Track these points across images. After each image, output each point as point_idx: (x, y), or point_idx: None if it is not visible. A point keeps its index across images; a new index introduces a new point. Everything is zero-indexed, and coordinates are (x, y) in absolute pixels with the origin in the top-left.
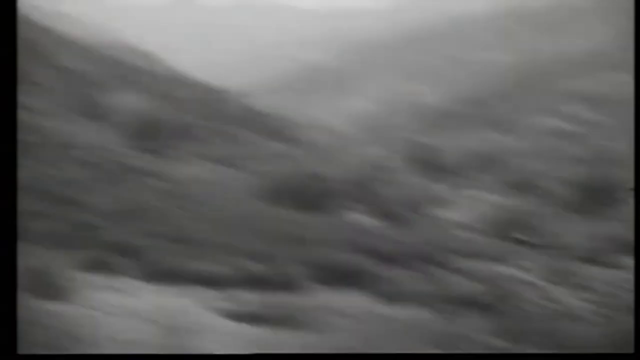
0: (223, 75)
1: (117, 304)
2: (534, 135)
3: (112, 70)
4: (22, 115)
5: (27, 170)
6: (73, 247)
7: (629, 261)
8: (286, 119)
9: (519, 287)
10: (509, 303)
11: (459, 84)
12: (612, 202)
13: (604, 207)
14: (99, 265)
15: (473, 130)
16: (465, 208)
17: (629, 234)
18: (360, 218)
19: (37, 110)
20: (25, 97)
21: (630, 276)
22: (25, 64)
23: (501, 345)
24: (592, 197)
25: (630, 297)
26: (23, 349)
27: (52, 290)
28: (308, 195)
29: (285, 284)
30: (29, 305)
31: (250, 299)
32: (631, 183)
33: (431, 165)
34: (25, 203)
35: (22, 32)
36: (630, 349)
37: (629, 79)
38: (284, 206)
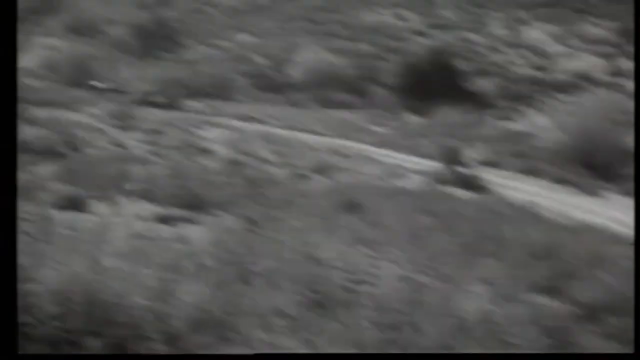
0: None
1: None
2: None
3: None
4: None
5: None
6: None
7: (190, 103)
8: None
9: (87, 134)
10: (77, 149)
11: None
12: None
13: (163, 52)
14: None
15: None
16: (31, 54)
17: (189, 76)
18: None
19: None
20: None
21: (186, 115)
22: None
23: (65, 189)
24: (152, 42)
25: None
26: None
27: None
28: None
29: None
30: None
31: None
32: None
33: None
34: None
35: None
36: None
37: None
38: None
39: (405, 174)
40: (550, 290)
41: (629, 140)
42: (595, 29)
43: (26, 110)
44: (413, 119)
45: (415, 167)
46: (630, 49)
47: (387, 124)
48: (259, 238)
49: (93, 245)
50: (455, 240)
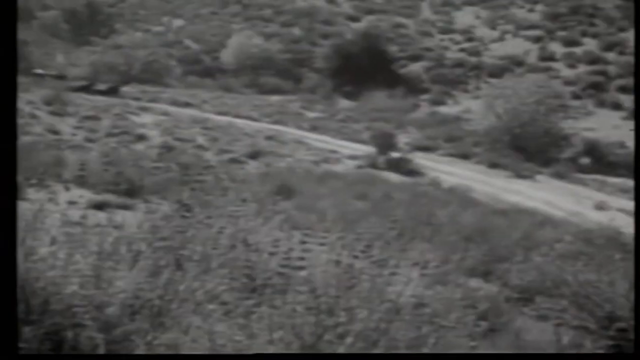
0: None
1: None
2: None
3: None
4: None
5: None
6: None
7: (124, 89)
8: None
9: (22, 120)
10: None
11: None
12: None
13: (97, 37)
14: None
15: None
16: None
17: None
18: None
19: None
20: None
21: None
22: None
23: None
24: (85, 27)
25: None
26: None
27: None
28: None
29: None
30: None
31: None
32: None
33: None
34: None
35: None
36: None
37: None
38: None
39: (339, 158)
40: (484, 273)
41: (561, 124)
42: (526, 14)
43: None
44: (346, 104)
45: (348, 152)
46: (562, 33)
47: (321, 109)
48: (194, 224)
49: (28, 233)
50: (389, 225)
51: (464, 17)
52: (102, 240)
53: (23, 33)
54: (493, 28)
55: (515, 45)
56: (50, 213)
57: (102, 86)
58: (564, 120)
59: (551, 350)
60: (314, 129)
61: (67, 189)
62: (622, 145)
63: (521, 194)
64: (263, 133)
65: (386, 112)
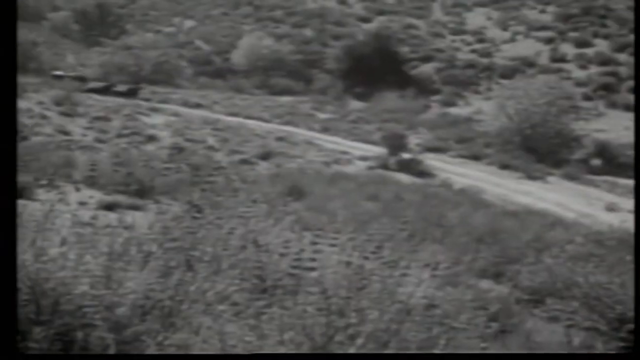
0: None
1: None
2: None
3: None
4: None
5: None
6: None
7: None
8: None
9: (33, 121)
10: (24, 137)
11: None
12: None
13: (107, 38)
14: None
15: None
16: None
17: (129, 60)
18: None
19: None
20: None
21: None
22: None
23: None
24: (96, 28)
25: None
26: None
27: None
28: None
29: None
30: None
31: None
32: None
33: None
34: None
35: None
36: None
37: None
38: None
39: (350, 160)
40: (495, 274)
41: (572, 125)
42: (538, 15)
43: None
44: (357, 105)
45: (359, 153)
46: (573, 34)
47: (332, 110)
48: (204, 224)
49: (38, 234)
50: (400, 226)
51: (475, 18)
52: (112, 241)
53: (33, 34)
54: (504, 29)
55: (526, 47)
56: (61, 214)
57: (122, 88)
58: (575, 121)
59: (562, 351)
60: (325, 130)
61: (78, 189)
62: (633, 146)
63: (532, 196)
64: (274, 134)
65: (397, 113)
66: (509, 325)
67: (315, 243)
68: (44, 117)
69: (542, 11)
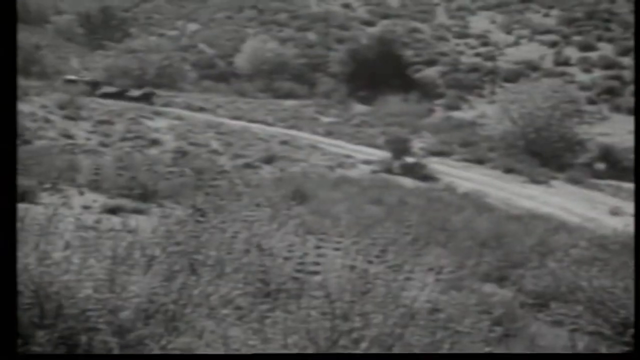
0: None
1: None
2: None
3: None
4: None
5: None
6: None
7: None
8: None
9: (36, 124)
10: (26, 140)
11: None
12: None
13: (111, 41)
14: None
15: None
16: None
17: (132, 63)
18: None
19: None
20: None
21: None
22: None
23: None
24: (100, 32)
25: None
26: None
27: None
28: None
29: None
30: None
31: None
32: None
33: None
34: None
35: None
36: None
37: None
38: None
39: (354, 163)
40: (499, 278)
41: (576, 129)
42: (542, 18)
43: None
44: (361, 109)
45: (363, 157)
46: (577, 38)
47: (335, 114)
48: (208, 228)
49: (42, 238)
50: (404, 230)
51: (479, 21)
52: (116, 245)
53: (37, 37)
54: (508, 33)
55: (530, 50)
56: (64, 217)
57: (135, 93)
58: (579, 125)
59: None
60: (328, 133)
61: (81, 193)
62: (633, 150)
63: (536, 200)
64: (277, 138)
65: (401, 116)
66: (513, 329)
67: (319, 247)
68: (47, 120)
69: (546, 15)
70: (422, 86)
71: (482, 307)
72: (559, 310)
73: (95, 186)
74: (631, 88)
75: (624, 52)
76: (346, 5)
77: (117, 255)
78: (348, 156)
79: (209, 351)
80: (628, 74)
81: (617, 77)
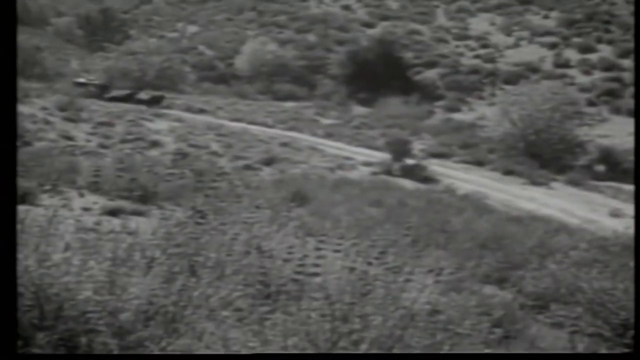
0: None
1: None
2: None
3: None
4: None
5: None
6: None
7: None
8: None
9: (36, 126)
10: (26, 142)
11: None
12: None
13: (111, 43)
14: None
15: None
16: None
17: (132, 65)
18: None
19: None
20: None
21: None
22: None
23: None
24: (100, 33)
25: None
26: None
27: None
28: None
29: None
30: None
31: None
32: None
33: None
34: None
35: None
36: None
37: None
38: None
39: (354, 165)
40: (499, 280)
41: (576, 131)
42: (541, 20)
43: None
44: (361, 111)
45: (363, 159)
46: (577, 39)
47: (335, 116)
48: (208, 230)
49: (42, 239)
50: (404, 232)
51: (479, 23)
52: (116, 247)
53: (38, 39)
54: (508, 34)
55: (530, 52)
56: (64, 219)
57: (145, 96)
58: (579, 127)
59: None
60: (328, 135)
61: (81, 195)
62: (633, 152)
63: (536, 201)
64: (277, 139)
65: (401, 118)
66: (512, 331)
67: (319, 249)
68: (47, 122)
69: (546, 17)
70: (422, 88)
71: (482, 309)
72: (559, 312)
73: (95, 188)
74: (631, 90)
75: (624, 54)
76: (346, 7)
77: (117, 257)
78: (348, 158)
79: (209, 353)
80: (628, 76)
81: (617, 79)
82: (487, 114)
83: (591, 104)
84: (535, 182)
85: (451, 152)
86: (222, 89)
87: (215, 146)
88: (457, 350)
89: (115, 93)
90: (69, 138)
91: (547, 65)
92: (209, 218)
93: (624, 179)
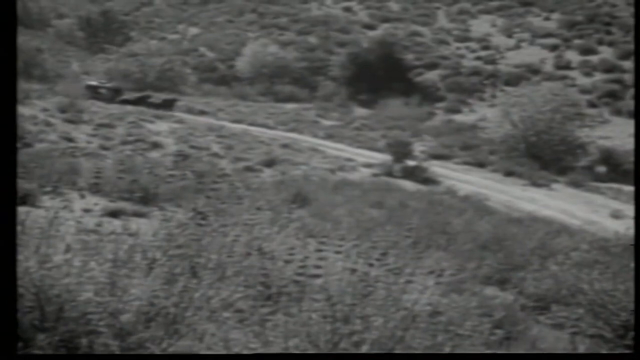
0: None
1: None
2: None
3: None
4: None
5: None
6: None
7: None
8: None
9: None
10: (27, 143)
11: None
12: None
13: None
14: None
15: None
16: None
17: (133, 67)
18: None
19: None
20: None
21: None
22: None
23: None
24: (101, 35)
25: None
26: None
27: None
28: None
29: None
30: None
31: None
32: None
33: None
34: None
35: None
36: None
37: None
38: None
39: (355, 167)
40: (500, 281)
41: (577, 132)
42: (542, 22)
43: None
44: (362, 112)
45: (364, 160)
46: (578, 41)
47: (336, 117)
48: (209, 232)
49: (43, 241)
50: (405, 233)
51: (480, 25)
52: (117, 248)
53: (39, 41)
54: (509, 36)
55: (531, 54)
56: (65, 220)
57: (156, 99)
58: (579, 128)
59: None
60: (329, 137)
61: (82, 196)
62: (633, 153)
63: (537, 203)
64: (278, 141)
65: (402, 120)
66: (514, 332)
67: (319, 250)
68: (48, 124)
69: (547, 18)
70: (423, 89)
71: (482, 310)
72: (560, 313)
73: (96, 189)
74: (632, 91)
75: (624, 56)
76: (347, 9)
77: (118, 258)
78: (349, 159)
79: (210, 354)
80: (629, 78)
81: (618, 81)
82: (488, 116)
83: (592, 105)
84: (536, 184)
85: (452, 153)
86: (223, 91)
87: (216, 148)
88: (458, 351)
89: (127, 96)
90: (70, 139)
91: (548, 67)
92: (210, 219)
93: (624, 180)
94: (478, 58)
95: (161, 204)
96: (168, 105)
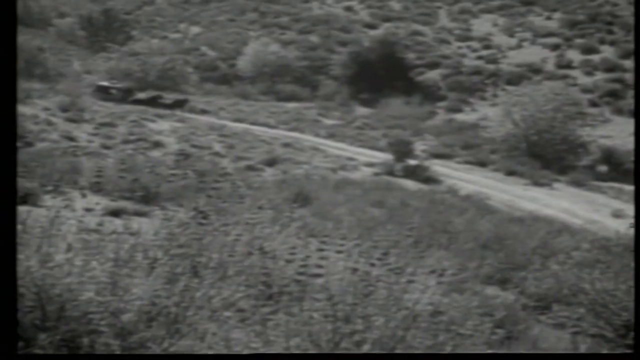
0: None
1: None
2: None
3: None
4: None
5: None
6: None
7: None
8: None
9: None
10: (29, 142)
11: None
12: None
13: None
14: None
15: None
16: None
17: (134, 66)
18: None
19: None
20: None
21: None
22: None
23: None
24: (102, 34)
25: None
26: None
27: None
28: None
29: None
30: None
31: None
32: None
33: None
34: None
35: None
36: None
37: None
38: None
39: (356, 166)
40: (501, 280)
41: (579, 131)
42: (544, 21)
43: None
44: (363, 111)
45: (365, 159)
46: (579, 40)
47: (338, 116)
48: (210, 231)
49: (44, 240)
50: (406, 232)
51: (482, 24)
52: (118, 247)
53: (40, 40)
54: (511, 35)
55: (532, 53)
56: (67, 220)
57: (168, 100)
58: (581, 127)
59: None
60: (330, 136)
61: (84, 195)
62: (634, 152)
63: (538, 202)
64: (280, 140)
65: (403, 119)
66: (515, 331)
67: (321, 249)
68: (49, 123)
69: (549, 18)
70: (424, 89)
71: (484, 310)
72: (561, 312)
73: (97, 188)
74: (633, 90)
75: (626, 55)
76: (348, 8)
77: (120, 257)
78: (350, 158)
79: (211, 353)
80: (630, 77)
81: (619, 80)
82: (490, 115)
83: (593, 104)
84: (537, 183)
85: (453, 152)
86: (224, 90)
87: (217, 147)
88: (460, 351)
89: (138, 96)
90: (71, 139)
91: (550, 66)
92: (211, 219)
93: (626, 179)
94: (479, 57)
95: (162, 203)
96: (179, 105)
